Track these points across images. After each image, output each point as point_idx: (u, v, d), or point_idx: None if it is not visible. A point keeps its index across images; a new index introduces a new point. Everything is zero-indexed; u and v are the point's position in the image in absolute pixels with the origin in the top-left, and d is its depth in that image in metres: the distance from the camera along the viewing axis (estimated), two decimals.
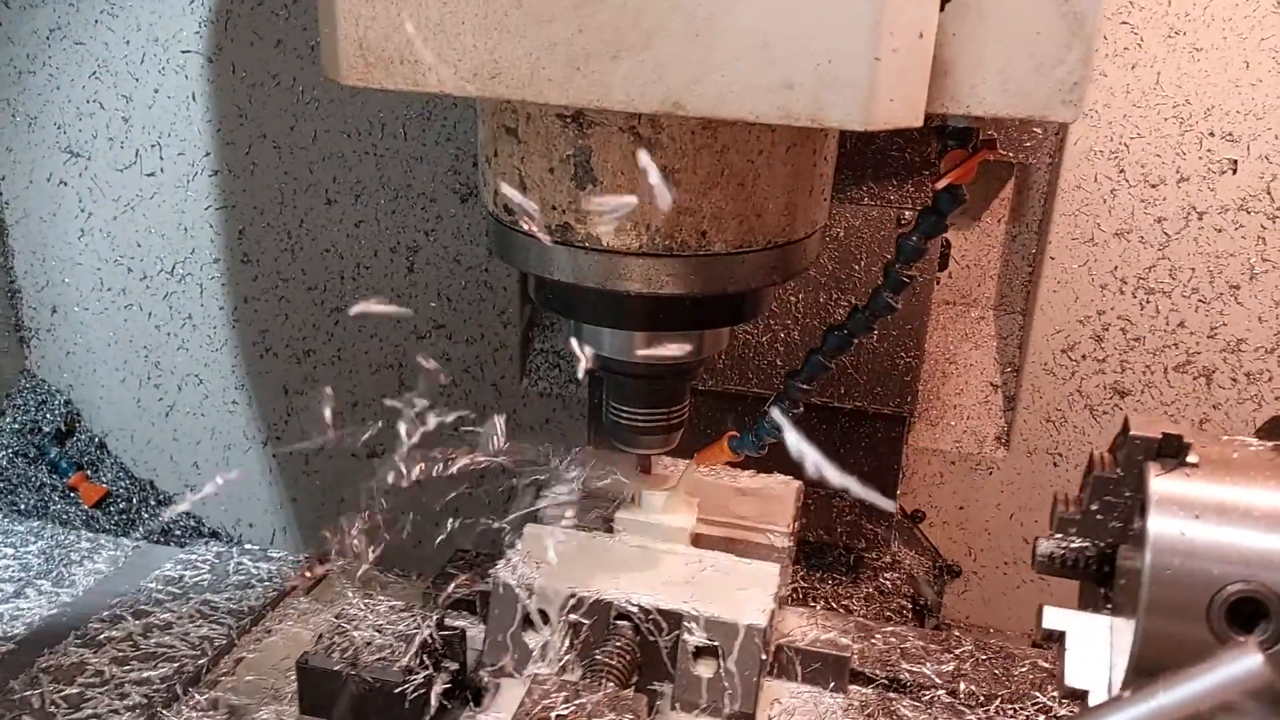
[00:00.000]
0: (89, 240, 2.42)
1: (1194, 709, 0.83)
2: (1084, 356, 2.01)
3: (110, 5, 2.22)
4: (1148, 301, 1.96)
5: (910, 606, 2.02)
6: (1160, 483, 1.01)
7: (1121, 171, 1.91)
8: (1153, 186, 1.90)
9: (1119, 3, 1.82)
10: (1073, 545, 1.11)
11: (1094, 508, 1.09)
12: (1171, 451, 1.04)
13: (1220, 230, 1.89)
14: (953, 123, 1.14)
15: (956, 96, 1.06)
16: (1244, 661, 0.83)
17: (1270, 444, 1.07)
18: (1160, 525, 0.99)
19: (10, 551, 2.11)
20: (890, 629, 1.70)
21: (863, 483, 1.97)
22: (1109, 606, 1.12)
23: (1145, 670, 0.97)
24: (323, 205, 2.26)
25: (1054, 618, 1.13)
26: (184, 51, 2.22)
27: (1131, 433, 1.06)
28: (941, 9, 1.01)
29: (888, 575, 2.06)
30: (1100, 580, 1.11)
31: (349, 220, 2.26)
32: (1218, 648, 0.90)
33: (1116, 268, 1.95)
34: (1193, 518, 0.99)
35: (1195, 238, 1.90)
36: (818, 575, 2.05)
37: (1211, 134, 1.85)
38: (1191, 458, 1.02)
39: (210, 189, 2.31)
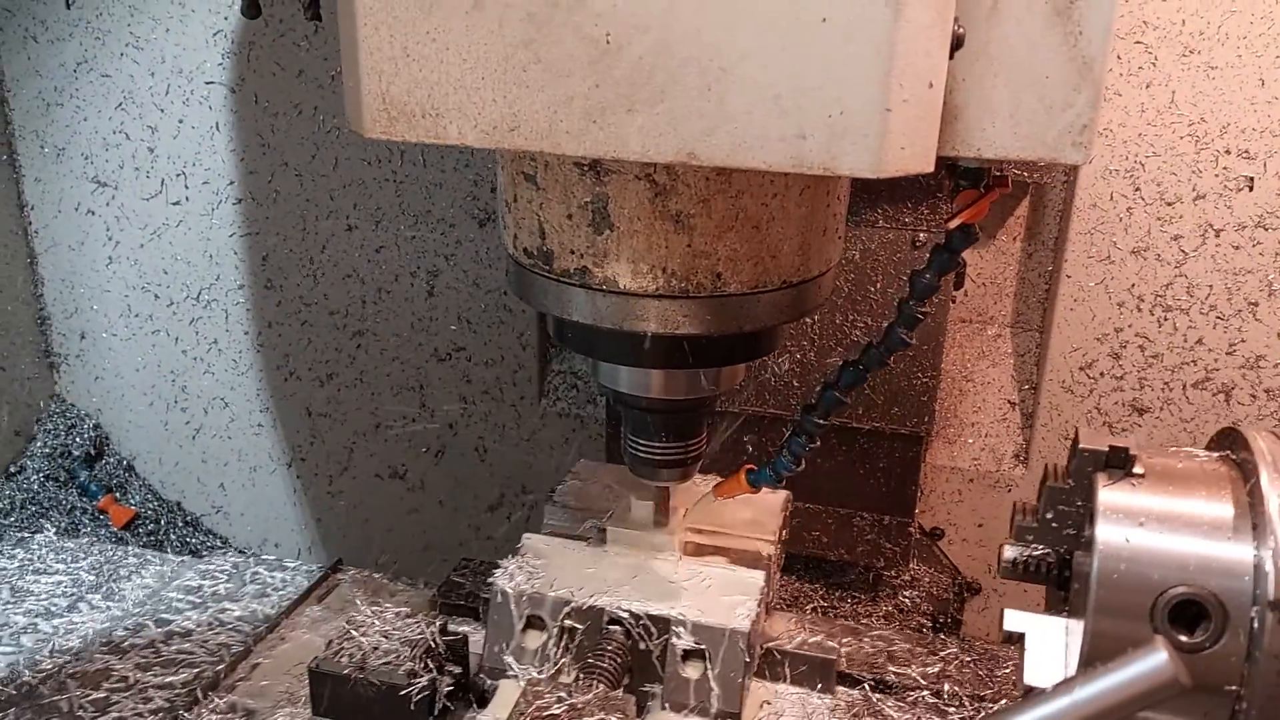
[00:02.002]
0: (116, 268, 2.46)
1: (1106, 704, 0.88)
2: (1102, 374, 2.02)
3: (135, 38, 2.26)
4: (1165, 319, 1.96)
5: (930, 624, 2.03)
6: (1107, 493, 1.08)
7: (1137, 189, 1.91)
8: (1169, 204, 1.90)
9: (1133, 23, 1.83)
10: (1034, 552, 1.17)
11: (1049, 516, 1.16)
12: (1118, 463, 1.10)
13: (1238, 247, 1.89)
14: (964, 164, 1.16)
15: (967, 140, 1.08)
16: (1152, 658, 0.87)
17: (1216, 455, 1.13)
18: (1107, 533, 1.05)
19: (62, 568, 2.17)
20: (878, 632, 1.73)
21: (881, 502, 2.00)
22: (1067, 609, 1.16)
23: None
24: (344, 231, 2.29)
25: (1014, 619, 1.18)
26: (208, 83, 2.25)
27: (1080, 445, 1.12)
28: (951, 57, 1.02)
29: (907, 593, 2.07)
30: (1060, 584, 1.17)
31: (370, 246, 2.29)
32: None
33: (1134, 285, 1.96)
34: (1137, 525, 1.05)
35: (1212, 255, 1.91)
36: (837, 594, 2.06)
37: (1227, 151, 1.86)
38: (1137, 469, 1.09)
39: (234, 217, 2.34)
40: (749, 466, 1.51)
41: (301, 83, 2.20)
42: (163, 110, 2.30)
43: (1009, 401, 2.14)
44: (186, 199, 2.36)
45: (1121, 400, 2.02)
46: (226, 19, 2.20)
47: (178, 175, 2.35)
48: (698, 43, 0.98)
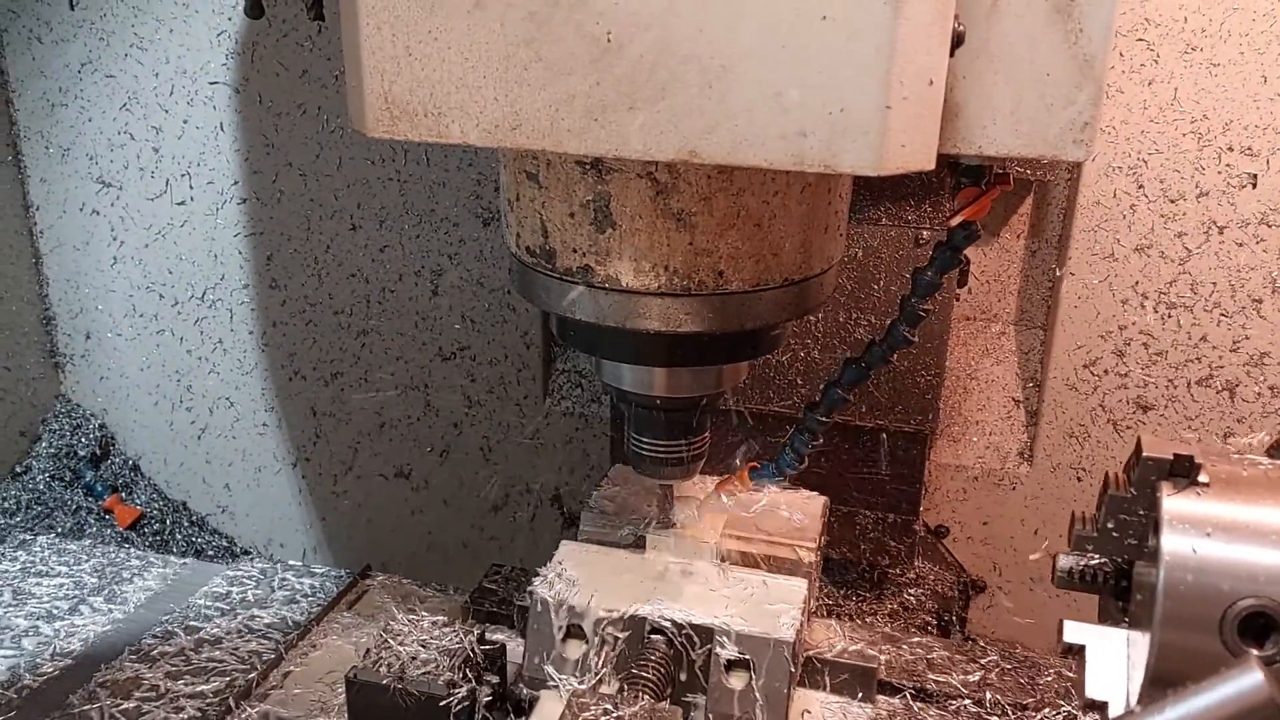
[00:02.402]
0: (121, 268, 2.47)
1: None
2: (1106, 371, 2.02)
3: (140, 39, 2.27)
4: (1169, 316, 1.96)
5: (935, 622, 2.03)
6: (1172, 502, 1.06)
7: (1140, 187, 1.91)
8: (1172, 202, 1.90)
9: (1134, 20, 1.83)
10: (1091, 561, 1.15)
11: (1109, 526, 1.14)
12: (1183, 471, 1.08)
13: (1241, 244, 1.89)
14: (965, 161, 1.16)
15: (968, 137, 1.08)
16: (1247, 678, 0.85)
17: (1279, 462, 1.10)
18: (1173, 543, 1.03)
19: (64, 570, 2.17)
20: (917, 639, 1.72)
21: (886, 500, 2.00)
22: (1126, 620, 1.15)
23: (1161, 682, 1.01)
24: (348, 231, 2.30)
25: (1074, 632, 1.17)
26: (212, 83, 2.26)
27: (1144, 454, 1.10)
28: (951, 54, 1.02)
29: (912, 591, 2.07)
30: (1118, 595, 1.15)
31: (374, 245, 2.30)
32: (1230, 660, 0.93)
33: (1137, 283, 1.96)
34: (1204, 535, 1.03)
35: (1216, 252, 1.90)
36: (842, 592, 2.06)
37: (1230, 149, 1.85)
38: (1202, 477, 1.07)
39: (239, 216, 2.35)
40: (752, 464, 1.52)
41: (305, 83, 2.21)
42: (167, 111, 2.31)
43: (1013, 399, 2.14)
44: (191, 199, 2.37)
45: (1125, 398, 2.02)
46: (230, 19, 2.20)
47: (182, 175, 2.35)
48: (698, 41, 0.98)
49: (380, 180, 2.24)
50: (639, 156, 1.04)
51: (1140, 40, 1.84)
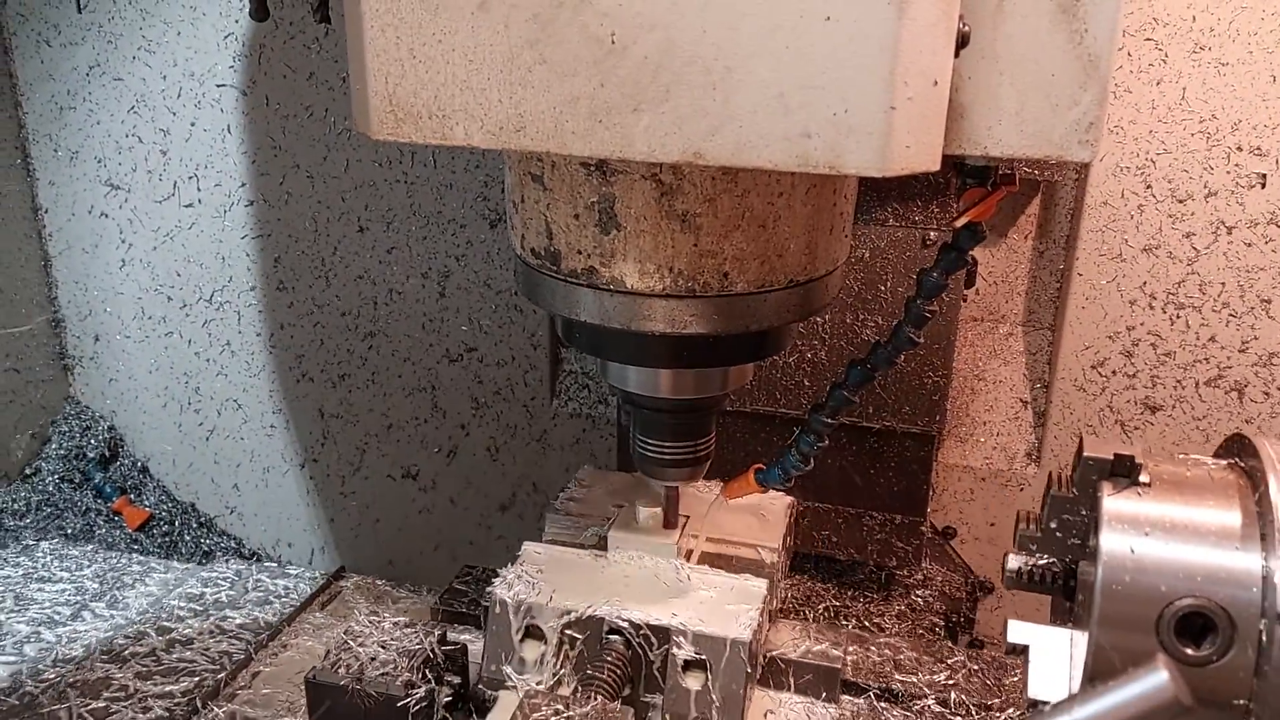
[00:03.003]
0: (130, 270, 2.48)
1: None
2: (1114, 372, 2.01)
3: (147, 42, 2.28)
4: (1178, 316, 1.95)
5: (943, 624, 2.03)
6: (1112, 502, 1.06)
7: (1148, 187, 1.91)
8: (1180, 202, 1.90)
9: (1142, 20, 1.82)
10: (1039, 562, 1.15)
11: (1053, 525, 1.14)
12: (1124, 471, 1.08)
13: (1250, 244, 1.88)
14: (970, 162, 1.15)
15: (973, 138, 1.08)
16: (1152, 677, 0.85)
17: (1224, 462, 1.10)
18: (1111, 542, 1.03)
19: (66, 576, 2.18)
20: (884, 639, 1.72)
21: (893, 501, 2.00)
22: (1071, 621, 1.14)
23: (1097, 682, 0.99)
24: (355, 233, 2.30)
25: (1018, 631, 1.16)
26: (219, 86, 2.27)
27: (1085, 454, 1.10)
28: (956, 55, 1.02)
29: (919, 593, 2.06)
30: (1067, 595, 1.15)
31: (381, 247, 2.30)
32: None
33: (1145, 283, 1.95)
34: (1143, 535, 1.03)
35: (1224, 252, 1.90)
36: (849, 594, 2.06)
37: (1239, 148, 1.85)
38: (1143, 477, 1.07)
39: (246, 219, 2.35)
40: (757, 466, 1.51)
41: (312, 85, 2.21)
42: (174, 113, 2.32)
43: (1021, 400, 2.13)
44: (199, 201, 2.37)
45: (1134, 399, 2.01)
46: (237, 22, 2.21)
47: (190, 178, 2.36)
48: (702, 42, 0.98)
49: (387, 182, 2.24)
50: (643, 158, 1.04)
51: (1148, 40, 1.83)
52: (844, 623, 1.95)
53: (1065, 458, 2.07)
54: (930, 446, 2.01)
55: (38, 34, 2.34)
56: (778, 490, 1.59)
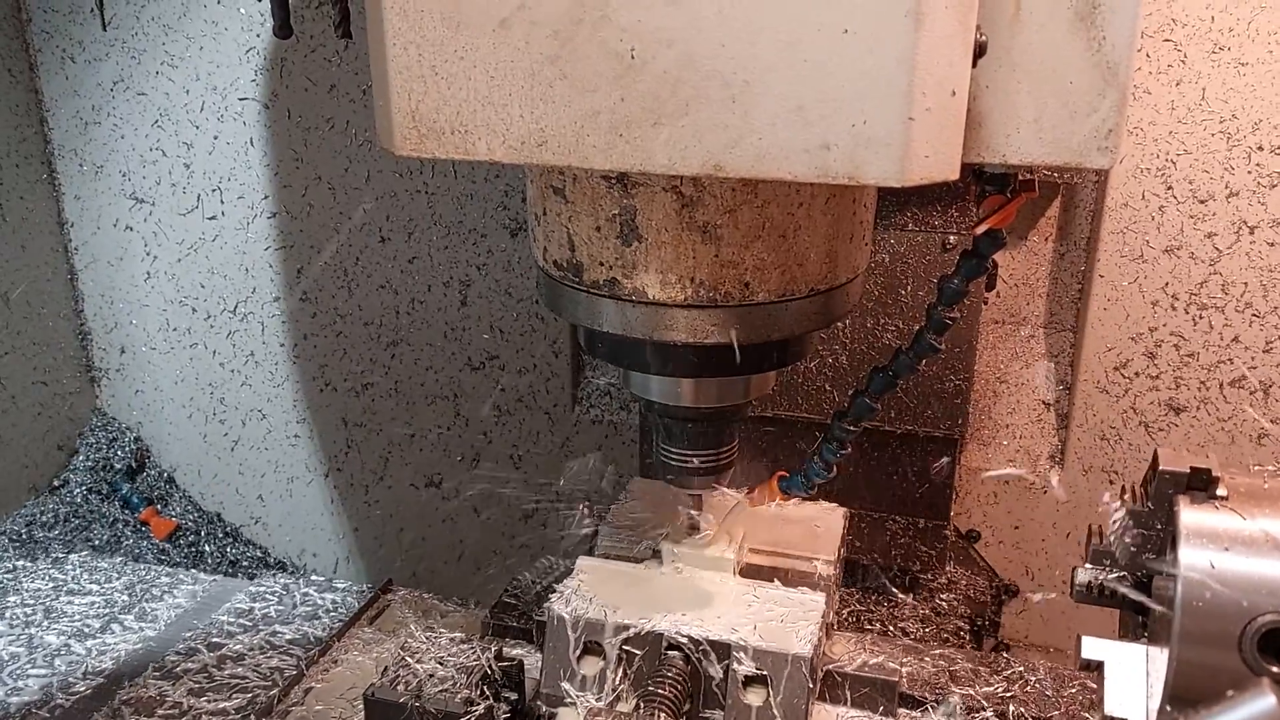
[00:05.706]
0: (155, 283, 2.51)
1: None
2: (1137, 374, 2.00)
3: (170, 56, 2.30)
4: (1200, 317, 1.94)
5: (967, 627, 2.03)
6: (1190, 515, 1.04)
7: (1169, 188, 1.90)
8: (1201, 202, 1.89)
9: (1161, 21, 1.82)
10: (1110, 575, 1.13)
11: (1127, 540, 1.12)
12: (1200, 484, 1.06)
13: (1273, 244, 1.87)
14: (989, 170, 1.16)
15: (992, 146, 1.08)
16: (1260, 701, 0.85)
17: None
18: (1191, 557, 1.01)
19: (95, 588, 2.19)
20: (940, 651, 1.71)
21: (916, 505, 2.00)
22: (1145, 636, 1.13)
23: (1181, 699, 0.99)
24: (377, 243, 2.32)
25: (1092, 647, 1.14)
26: (241, 99, 2.29)
27: (1161, 467, 1.08)
28: (974, 65, 1.02)
29: (944, 596, 2.06)
30: (1138, 609, 1.13)
31: (403, 257, 2.32)
32: (1250, 678, 0.92)
33: (1167, 284, 1.94)
34: (1222, 549, 1.00)
35: (1247, 252, 1.89)
36: (873, 597, 2.06)
37: (1260, 148, 1.84)
38: (1220, 490, 1.05)
39: (269, 230, 2.38)
40: (781, 473, 1.52)
41: (333, 98, 2.23)
42: (198, 127, 2.34)
43: (1043, 403, 2.13)
44: (222, 214, 2.40)
45: (1157, 400, 2.00)
46: (259, 36, 2.23)
47: (213, 190, 2.39)
48: (721, 56, 0.99)
49: (408, 193, 2.26)
50: (664, 171, 1.05)
51: (1167, 40, 1.83)
52: (893, 631, 1.94)
53: (1089, 460, 2.07)
54: (953, 450, 2.01)
55: (62, 50, 2.37)
56: (821, 500, 1.57)
